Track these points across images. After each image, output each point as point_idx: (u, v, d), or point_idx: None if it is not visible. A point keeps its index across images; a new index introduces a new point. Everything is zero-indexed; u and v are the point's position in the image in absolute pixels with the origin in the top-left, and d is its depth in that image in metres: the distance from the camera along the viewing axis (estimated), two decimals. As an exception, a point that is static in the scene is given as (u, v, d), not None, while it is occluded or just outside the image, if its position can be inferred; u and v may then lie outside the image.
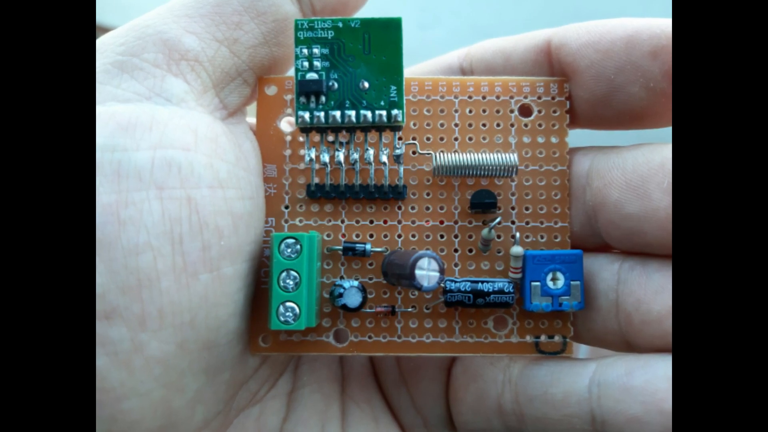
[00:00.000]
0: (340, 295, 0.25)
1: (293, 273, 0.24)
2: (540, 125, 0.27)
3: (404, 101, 0.25)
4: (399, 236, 0.26)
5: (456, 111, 0.27)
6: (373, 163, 0.26)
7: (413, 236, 0.26)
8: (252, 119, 0.27)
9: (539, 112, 0.27)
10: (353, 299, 0.25)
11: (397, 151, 0.26)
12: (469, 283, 0.25)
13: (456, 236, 0.26)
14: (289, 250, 0.24)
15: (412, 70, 0.29)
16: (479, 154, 0.26)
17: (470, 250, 0.26)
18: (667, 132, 0.24)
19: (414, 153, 0.27)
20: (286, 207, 0.26)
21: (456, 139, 0.27)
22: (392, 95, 0.25)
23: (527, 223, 0.26)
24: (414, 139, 0.27)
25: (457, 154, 0.26)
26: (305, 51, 0.25)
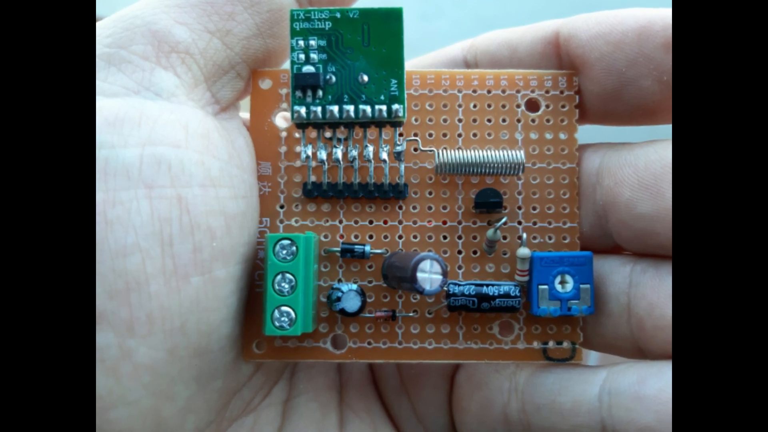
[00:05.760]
0: (338, 299, 0.25)
1: (289, 276, 0.24)
2: (548, 121, 0.27)
3: (405, 95, 0.25)
4: (400, 237, 0.26)
5: (460, 106, 0.27)
6: (372, 161, 0.26)
7: (415, 237, 0.26)
8: (245, 114, 0.27)
9: (547, 106, 0.27)
10: (352, 303, 0.25)
11: (398, 148, 0.26)
12: (473, 287, 0.25)
13: (460, 237, 0.26)
14: (284, 252, 0.24)
15: (413, 62, 0.29)
16: (484, 151, 0.26)
17: (475, 252, 0.26)
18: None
19: (415, 150, 0.27)
20: (282, 207, 0.26)
21: (459, 135, 0.27)
22: (393, 89, 0.25)
23: (534, 223, 0.26)
24: (415, 135, 0.27)
25: (460, 151, 0.26)
26: (301, 43, 0.25)
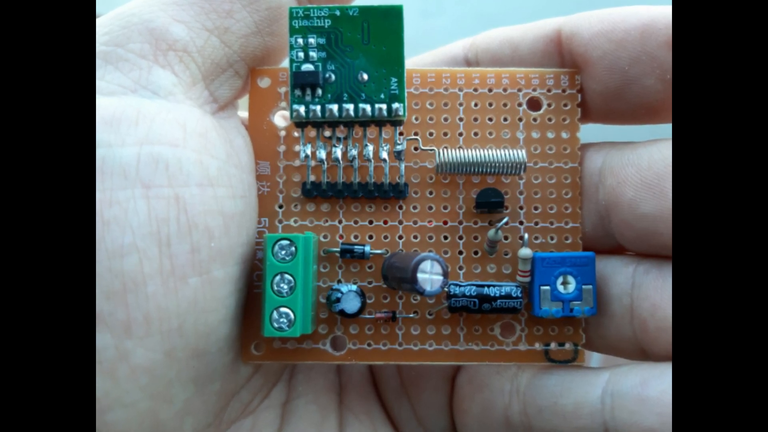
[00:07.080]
0: (338, 300, 0.25)
1: (288, 276, 0.24)
2: (550, 119, 0.27)
3: (405, 94, 0.25)
4: (400, 237, 0.26)
5: (460, 104, 0.27)
6: (372, 160, 0.26)
7: (415, 237, 0.26)
8: (244, 113, 0.27)
9: (549, 105, 0.27)
10: (351, 304, 0.25)
11: (398, 147, 0.26)
12: (474, 288, 0.25)
13: (460, 237, 0.26)
14: (283, 252, 0.24)
15: (414, 61, 0.29)
16: (485, 151, 0.26)
17: (476, 253, 0.26)
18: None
19: (416, 149, 0.27)
20: (280, 206, 0.26)
21: (460, 134, 0.27)
22: (393, 88, 0.25)
23: (536, 223, 0.26)
24: (416, 134, 0.27)
25: (461, 150, 0.26)
26: (300, 41, 0.25)
